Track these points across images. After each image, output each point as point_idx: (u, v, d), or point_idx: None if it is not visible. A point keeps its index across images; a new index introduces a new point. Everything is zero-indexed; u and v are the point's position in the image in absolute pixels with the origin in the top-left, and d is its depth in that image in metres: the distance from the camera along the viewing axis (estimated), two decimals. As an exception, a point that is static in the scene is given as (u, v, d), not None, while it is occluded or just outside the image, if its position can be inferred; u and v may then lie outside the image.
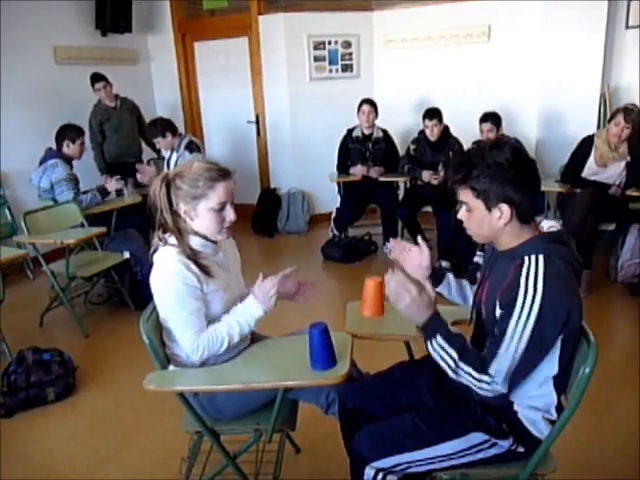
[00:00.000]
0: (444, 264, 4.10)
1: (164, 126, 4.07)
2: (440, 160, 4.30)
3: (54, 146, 3.84)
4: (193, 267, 1.57)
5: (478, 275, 1.60)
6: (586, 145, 3.80)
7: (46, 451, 2.34)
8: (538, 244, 1.34)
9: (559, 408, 1.41)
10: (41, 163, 3.76)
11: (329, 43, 5.33)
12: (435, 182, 4.22)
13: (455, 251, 4.08)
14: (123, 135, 4.73)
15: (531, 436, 1.41)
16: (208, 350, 1.56)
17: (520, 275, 1.30)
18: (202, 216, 1.60)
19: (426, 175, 4.27)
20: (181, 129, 5.98)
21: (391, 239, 1.77)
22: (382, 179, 4.56)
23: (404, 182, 4.67)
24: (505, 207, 1.32)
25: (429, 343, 1.37)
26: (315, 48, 5.30)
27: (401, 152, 4.73)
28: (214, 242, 1.68)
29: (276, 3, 5.24)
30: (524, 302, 1.26)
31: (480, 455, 1.42)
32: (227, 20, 5.55)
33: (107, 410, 2.62)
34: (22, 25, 4.49)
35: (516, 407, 1.41)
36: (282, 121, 5.54)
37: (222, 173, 1.60)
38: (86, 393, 2.77)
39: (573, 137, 4.08)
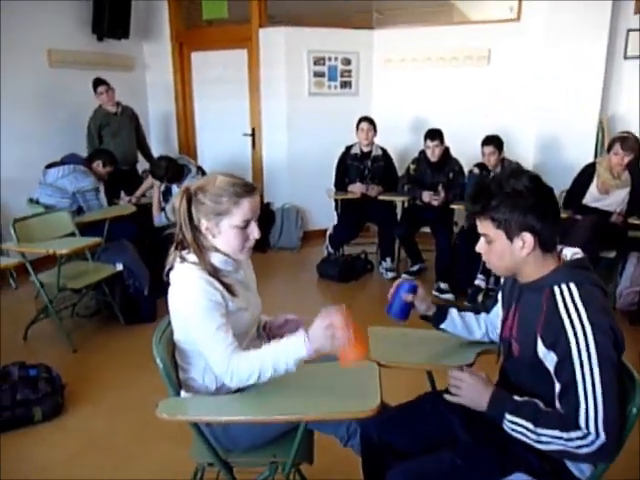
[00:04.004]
0: (442, 286, 4.04)
1: (170, 177, 3.96)
2: (440, 181, 4.27)
3: (64, 154, 3.84)
4: (217, 284, 1.47)
5: (487, 302, 1.56)
6: (588, 172, 3.82)
7: (32, 476, 2.17)
8: (566, 272, 1.31)
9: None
10: (63, 162, 3.73)
11: (329, 59, 5.30)
12: (435, 203, 4.19)
13: (453, 273, 4.02)
14: (121, 142, 4.60)
15: (573, 477, 1.34)
16: (237, 377, 1.41)
17: (557, 307, 1.26)
18: (225, 233, 1.50)
19: (426, 196, 4.23)
20: (174, 140, 5.91)
21: None
22: (381, 198, 4.52)
23: (402, 202, 4.63)
24: (528, 236, 1.29)
25: (503, 425, 1.30)
26: (315, 63, 5.27)
27: (398, 171, 4.70)
28: (235, 259, 1.59)
29: (277, 17, 5.20)
30: (577, 340, 1.21)
31: (520, 497, 1.34)
32: (226, 31, 5.48)
33: (99, 432, 2.47)
34: (16, 26, 4.34)
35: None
36: (279, 135, 5.46)
37: (247, 189, 1.51)
38: (76, 414, 2.60)
39: (570, 163, 4.10)
